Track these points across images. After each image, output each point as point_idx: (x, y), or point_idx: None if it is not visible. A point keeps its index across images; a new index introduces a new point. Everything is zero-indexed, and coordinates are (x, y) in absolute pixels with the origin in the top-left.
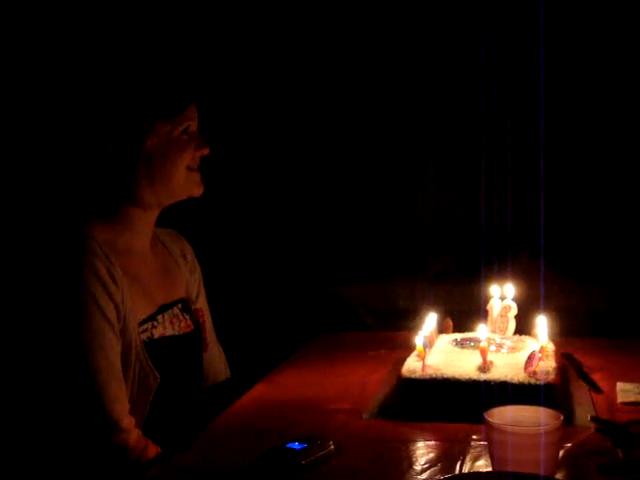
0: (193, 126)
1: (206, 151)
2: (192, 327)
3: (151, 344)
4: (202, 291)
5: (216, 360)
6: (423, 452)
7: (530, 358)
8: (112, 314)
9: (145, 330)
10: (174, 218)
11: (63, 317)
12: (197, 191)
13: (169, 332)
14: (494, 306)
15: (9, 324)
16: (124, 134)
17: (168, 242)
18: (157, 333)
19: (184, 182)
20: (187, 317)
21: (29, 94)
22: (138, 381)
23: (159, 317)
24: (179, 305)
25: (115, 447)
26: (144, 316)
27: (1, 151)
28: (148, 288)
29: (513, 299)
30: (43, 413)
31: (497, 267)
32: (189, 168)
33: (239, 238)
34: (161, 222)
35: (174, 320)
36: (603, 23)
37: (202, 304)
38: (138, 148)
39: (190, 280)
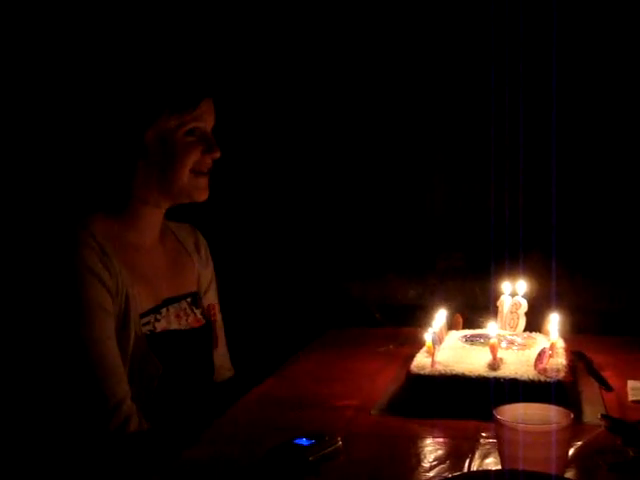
0: (204, 127)
1: (216, 155)
2: (203, 322)
3: (153, 337)
4: (213, 286)
5: (222, 358)
6: (432, 449)
7: (540, 355)
8: (107, 302)
9: (147, 323)
10: (187, 213)
11: (56, 306)
12: (199, 196)
13: (174, 326)
14: (504, 303)
15: (3, 315)
16: (123, 123)
17: (183, 237)
18: (160, 327)
19: (186, 185)
20: (197, 312)
21: (29, 83)
22: (138, 369)
23: (163, 310)
24: (188, 299)
25: (115, 431)
26: (146, 309)
27: (3, 144)
28: (152, 282)
29: (523, 296)
30: (42, 402)
31: (508, 264)
32: (194, 171)
33: (250, 234)
34: (174, 217)
35: (181, 314)
36: (616, 22)
37: (212, 299)
38: (137, 141)
39: (203, 274)
